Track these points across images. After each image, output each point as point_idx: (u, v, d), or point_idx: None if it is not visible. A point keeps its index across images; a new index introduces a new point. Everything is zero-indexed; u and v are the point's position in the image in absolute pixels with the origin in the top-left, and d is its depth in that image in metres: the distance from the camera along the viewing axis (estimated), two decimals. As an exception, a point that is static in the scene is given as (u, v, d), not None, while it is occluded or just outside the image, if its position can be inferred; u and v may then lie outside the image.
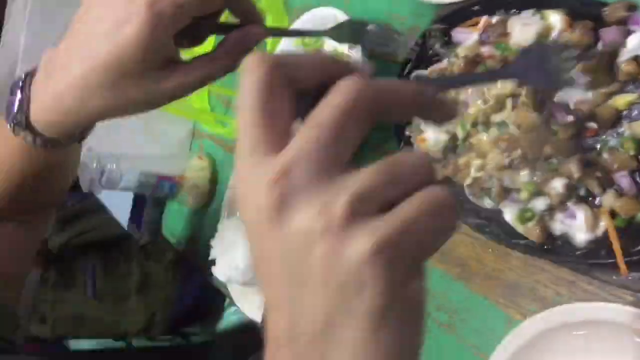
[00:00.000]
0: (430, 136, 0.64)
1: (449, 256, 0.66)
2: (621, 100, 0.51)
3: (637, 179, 0.51)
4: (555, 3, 0.57)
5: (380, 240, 0.27)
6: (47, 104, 0.50)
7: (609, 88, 0.51)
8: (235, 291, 0.88)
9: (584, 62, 0.48)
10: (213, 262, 0.86)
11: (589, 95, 0.52)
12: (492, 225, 0.59)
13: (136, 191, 1.00)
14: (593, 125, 0.53)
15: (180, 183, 0.99)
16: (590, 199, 0.54)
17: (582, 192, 0.54)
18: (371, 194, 0.28)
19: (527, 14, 0.59)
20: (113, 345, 1.49)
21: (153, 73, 0.47)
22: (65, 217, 1.30)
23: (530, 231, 0.56)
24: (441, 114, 0.33)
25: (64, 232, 1.36)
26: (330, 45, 0.78)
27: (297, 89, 0.30)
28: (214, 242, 0.87)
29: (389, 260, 0.27)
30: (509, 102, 0.57)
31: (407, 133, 0.66)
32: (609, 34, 0.52)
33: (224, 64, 0.50)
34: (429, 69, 0.65)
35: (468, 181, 0.59)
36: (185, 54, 0.52)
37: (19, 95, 0.51)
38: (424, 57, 0.67)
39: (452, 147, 0.63)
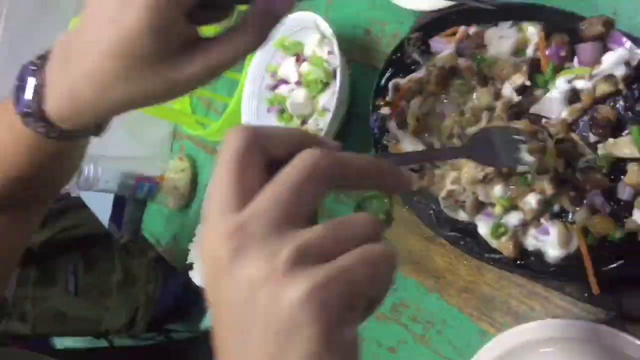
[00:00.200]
0: (408, 146, 0.63)
1: (425, 267, 0.66)
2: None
3: (610, 197, 0.51)
4: (532, 15, 0.56)
5: (313, 285, 0.28)
6: (63, 94, 0.46)
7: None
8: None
9: (531, 143, 0.52)
10: (191, 266, 0.85)
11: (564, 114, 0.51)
12: (467, 239, 0.59)
13: (115, 192, 0.99)
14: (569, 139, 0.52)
15: (159, 184, 0.98)
16: (563, 215, 0.54)
17: (555, 208, 0.54)
18: (314, 247, 0.30)
19: (504, 25, 0.58)
20: (96, 344, 1.48)
21: (170, 58, 0.43)
22: (46, 215, 1.29)
23: (504, 246, 0.55)
24: (397, 186, 0.36)
25: (44, 229, 1.35)
26: (309, 49, 0.78)
27: (271, 158, 0.33)
28: (191, 246, 0.86)
29: (321, 303, 0.28)
30: (484, 115, 0.57)
31: (384, 142, 0.66)
32: (584, 52, 0.52)
33: (252, 39, 0.44)
34: (407, 78, 0.65)
35: (443, 193, 0.59)
36: (209, 31, 0.46)
37: (31, 81, 0.47)
38: (402, 65, 0.66)
39: (429, 158, 0.62)
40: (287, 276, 0.29)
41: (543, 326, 0.53)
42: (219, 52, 0.44)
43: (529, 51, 0.56)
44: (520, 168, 0.53)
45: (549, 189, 0.52)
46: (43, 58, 0.47)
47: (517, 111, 0.56)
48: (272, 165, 0.33)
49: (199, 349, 1.51)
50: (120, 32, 0.42)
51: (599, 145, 0.52)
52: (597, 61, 0.52)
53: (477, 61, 0.58)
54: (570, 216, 0.53)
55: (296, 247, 0.29)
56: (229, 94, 0.89)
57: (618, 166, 0.51)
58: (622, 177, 0.51)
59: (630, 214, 0.50)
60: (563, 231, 0.53)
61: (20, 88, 0.47)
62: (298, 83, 0.78)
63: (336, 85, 0.69)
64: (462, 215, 0.59)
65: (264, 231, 0.30)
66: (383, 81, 0.66)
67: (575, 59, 0.53)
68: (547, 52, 0.55)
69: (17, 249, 0.67)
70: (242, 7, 0.47)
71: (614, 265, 0.51)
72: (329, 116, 0.69)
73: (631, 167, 0.50)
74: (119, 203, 1.13)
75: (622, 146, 0.50)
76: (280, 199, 0.31)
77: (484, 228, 0.57)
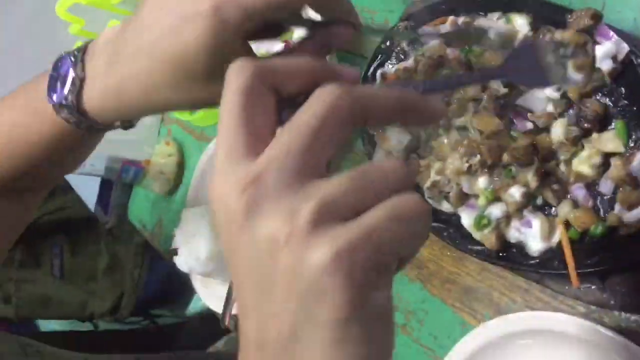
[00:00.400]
0: (393, 135, 0.63)
1: (408, 257, 0.66)
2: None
3: (592, 191, 0.51)
4: (521, 6, 0.56)
5: (340, 248, 0.26)
6: (109, 90, 0.45)
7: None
8: (197, 281, 0.87)
9: (577, 59, 0.47)
10: (175, 252, 0.85)
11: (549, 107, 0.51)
12: (450, 229, 0.59)
13: (101, 175, 0.98)
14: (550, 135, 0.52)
15: (145, 168, 0.97)
16: (546, 208, 0.54)
17: (539, 201, 0.54)
18: (339, 201, 0.27)
19: (493, 16, 0.58)
20: (81, 327, 1.48)
21: (220, 75, 0.43)
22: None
23: (486, 238, 0.55)
24: (427, 118, 0.32)
25: (30, 212, 1.34)
26: (297, 35, 0.77)
27: (283, 96, 0.31)
28: (176, 231, 0.86)
29: (348, 269, 0.26)
30: (470, 106, 0.57)
31: (370, 132, 0.65)
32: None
33: None
34: (395, 67, 0.64)
35: (428, 184, 0.59)
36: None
37: (71, 73, 0.46)
38: (390, 54, 0.66)
39: (414, 147, 0.62)
40: (310, 237, 0.26)
41: (522, 318, 0.54)
42: None
43: (517, 42, 0.55)
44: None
45: (533, 182, 0.52)
46: (82, 50, 0.47)
47: (503, 103, 0.56)
48: (283, 103, 0.31)
49: (184, 333, 1.51)
50: (178, 45, 0.41)
51: (584, 140, 0.52)
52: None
53: (465, 52, 0.57)
54: (553, 209, 0.54)
55: (318, 203, 0.27)
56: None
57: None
58: (605, 171, 0.51)
59: (612, 209, 0.50)
60: (545, 224, 0.53)
61: (56, 78, 0.47)
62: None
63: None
64: (446, 206, 0.59)
65: (281, 183, 0.27)
66: (371, 70, 0.66)
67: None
68: (534, 44, 0.54)
69: (15, 233, 0.67)
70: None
71: (596, 258, 0.51)
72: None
73: (614, 162, 0.50)
74: (105, 187, 1.13)
75: (606, 141, 0.50)
76: (297, 146, 0.28)
77: (467, 219, 0.57)
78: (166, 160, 0.97)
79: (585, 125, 0.52)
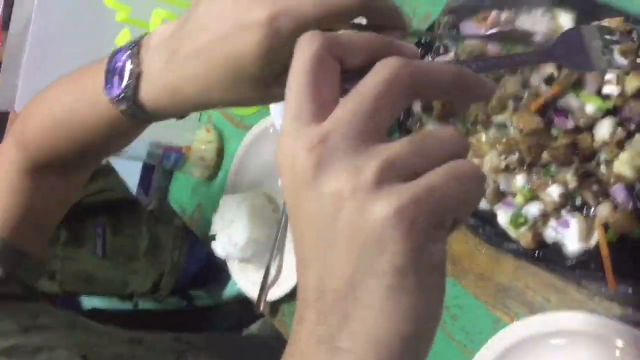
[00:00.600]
0: (431, 129, 0.63)
1: (443, 252, 0.66)
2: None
3: (633, 193, 0.50)
4: (565, 2, 0.55)
5: (402, 203, 0.28)
6: (166, 87, 0.48)
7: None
8: (234, 267, 0.89)
9: (624, 44, 0.47)
10: (213, 237, 0.87)
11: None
12: (486, 227, 0.59)
13: (143, 160, 1.00)
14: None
15: (186, 154, 0.99)
16: (585, 208, 0.53)
17: (577, 201, 0.53)
18: (401, 162, 0.29)
19: (537, 12, 0.57)
20: (121, 306, 1.52)
21: (271, 80, 0.45)
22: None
23: (523, 236, 0.55)
24: (479, 95, 0.34)
25: (75, 192, 1.38)
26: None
27: (347, 67, 0.33)
28: (214, 218, 0.87)
29: (410, 222, 0.28)
30: (510, 104, 0.56)
31: (408, 125, 0.65)
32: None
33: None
34: (435, 60, 0.64)
35: (464, 180, 0.58)
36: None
37: (128, 67, 0.49)
38: (431, 47, 0.65)
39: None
40: (374, 192, 0.29)
41: (556, 318, 0.53)
42: None
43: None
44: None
45: (572, 182, 0.52)
46: (137, 44, 0.49)
47: (545, 101, 0.55)
48: (346, 74, 0.33)
49: (220, 316, 1.54)
50: (234, 50, 0.43)
51: (626, 142, 0.51)
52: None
53: (507, 49, 0.57)
54: (591, 210, 0.53)
55: (382, 162, 0.29)
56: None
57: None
58: (647, 173, 0.50)
59: (654, 212, 0.50)
60: (583, 225, 0.52)
61: (112, 72, 0.50)
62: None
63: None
64: (483, 203, 0.59)
65: (346, 144, 0.30)
66: (411, 63, 0.66)
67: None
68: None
69: (62, 209, 0.71)
70: None
71: (633, 262, 0.50)
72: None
73: (657, 164, 0.49)
74: (147, 170, 1.15)
75: (649, 143, 0.49)
76: (361, 110, 0.30)
77: (503, 217, 0.57)
78: (206, 146, 0.99)
79: (632, 126, 0.51)
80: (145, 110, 0.50)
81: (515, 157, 0.54)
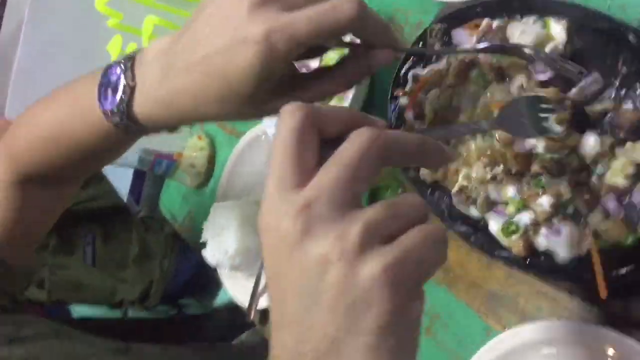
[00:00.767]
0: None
1: (434, 260, 0.66)
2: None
3: (624, 203, 0.50)
4: (558, 11, 0.55)
5: (388, 263, 0.31)
6: (160, 101, 0.48)
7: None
8: (224, 275, 0.88)
9: (558, 113, 0.51)
10: (204, 245, 0.86)
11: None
12: (477, 235, 0.58)
13: (135, 167, 1.00)
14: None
15: (177, 161, 0.98)
16: (576, 217, 0.53)
17: (569, 210, 0.53)
18: (379, 226, 0.32)
19: (528, 20, 0.57)
20: (111, 314, 1.51)
21: (266, 94, 0.46)
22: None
23: (514, 244, 0.55)
24: (441, 161, 0.39)
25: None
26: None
27: (324, 136, 0.35)
28: (205, 225, 0.87)
29: (394, 281, 0.31)
30: (494, 112, 0.56)
31: (400, 133, 0.65)
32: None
33: (341, 85, 0.49)
34: (427, 68, 0.64)
35: (455, 189, 0.58)
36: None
37: (122, 81, 0.49)
38: (423, 56, 0.65)
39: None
40: (360, 254, 0.31)
41: (547, 327, 0.53)
42: (309, 90, 0.48)
43: (547, 49, 0.54)
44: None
45: (565, 193, 0.52)
46: (131, 59, 0.50)
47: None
48: (323, 143, 0.35)
49: (210, 325, 1.53)
50: (230, 65, 0.44)
51: (617, 149, 0.51)
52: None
53: (496, 58, 0.57)
54: (583, 219, 0.53)
55: (363, 226, 0.31)
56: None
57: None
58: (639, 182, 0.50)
59: (644, 220, 0.50)
60: (575, 233, 0.52)
61: (106, 86, 0.50)
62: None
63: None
64: (474, 212, 0.59)
65: (329, 210, 0.32)
66: (403, 71, 0.66)
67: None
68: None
69: (49, 219, 0.70)
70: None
71: (625, 270, 0.50)
72: (346, 104, 0.69)
73: (648, 173, 0.49)
74: (138, 178, 1.15)
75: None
76: (341, 177, 0.33)
77: (495, 225, 0.57)
78: (197, 153, 0.99)
79: (621, 135, 0.51)
80: (138, 124, 0.50)
81: (500, 168, 0.54)
